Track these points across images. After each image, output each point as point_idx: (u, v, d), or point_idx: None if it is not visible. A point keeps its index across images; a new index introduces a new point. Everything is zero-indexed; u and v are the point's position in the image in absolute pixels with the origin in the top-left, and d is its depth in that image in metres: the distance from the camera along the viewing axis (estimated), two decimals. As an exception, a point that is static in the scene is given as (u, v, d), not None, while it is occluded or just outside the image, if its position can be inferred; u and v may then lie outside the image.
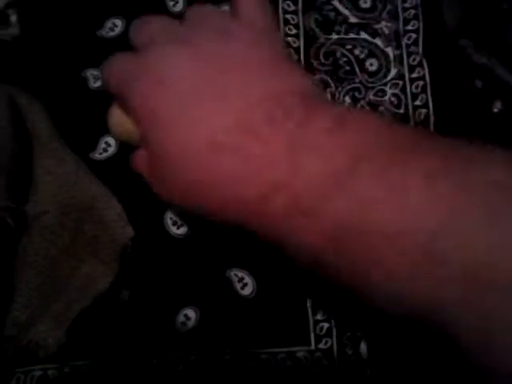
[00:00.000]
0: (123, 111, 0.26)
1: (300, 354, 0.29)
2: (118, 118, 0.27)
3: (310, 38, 0.34)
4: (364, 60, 0.33)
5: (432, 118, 0.32)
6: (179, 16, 0.34)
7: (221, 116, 0.23)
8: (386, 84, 0.33)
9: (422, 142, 0.21)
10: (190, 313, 0.29)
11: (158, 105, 0.24)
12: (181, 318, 0.29)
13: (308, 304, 0.29)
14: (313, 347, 0.29)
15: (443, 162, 0.19)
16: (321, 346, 0.29)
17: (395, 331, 0.26)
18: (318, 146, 0.21)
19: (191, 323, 0.29)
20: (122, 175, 0.30)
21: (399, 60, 0.33)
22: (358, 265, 0.20)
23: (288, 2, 0.35)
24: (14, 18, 0.33)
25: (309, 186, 0.21)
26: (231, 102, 0.23)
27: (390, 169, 0.20)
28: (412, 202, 0.19)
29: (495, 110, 0.34)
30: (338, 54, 0.33)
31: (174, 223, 0.31)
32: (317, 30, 0.34)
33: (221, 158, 0.22)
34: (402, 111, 0.32)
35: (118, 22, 0.34)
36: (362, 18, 0.34)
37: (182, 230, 0.31)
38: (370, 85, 0.33)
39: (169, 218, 0.31)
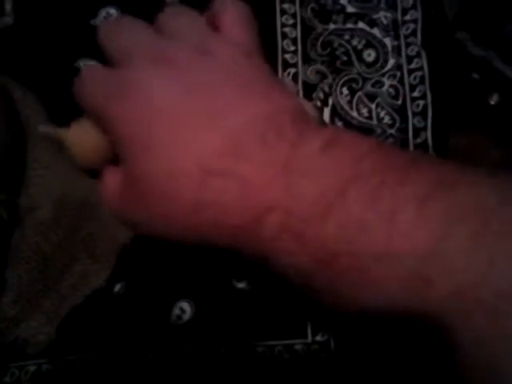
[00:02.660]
0: (94, 127, 0.26)
1: (297, 347, 0.28)
2: (85, 133, 0.26)
3: (307, 28, 0.33)
4: (362, 50, 0.33)
5: (430, 109, 0.32)
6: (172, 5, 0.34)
7: (211, 138, 0.22)
8: (383, 75, 0.32)
9: (411, 166, 0.21)
10: (186, 306, 0.29)
11: (141, 126, 0.23)
12: (176, 311, 0.29)
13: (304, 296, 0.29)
14: (309, 340, 0.29)
15: (432, 187, 0.20)
16: (318, 338, 0.29)
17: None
18: (311, 168, 0.21)
19: (187, 316, 0.29)
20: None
21: (397, 51, 0.33)
22: (348, 286, 0.20)
23: (285, -9, 0.34)
24: (8, 7, 0.33)
25: (301, 208, 0.21)
26: (221, 123, 0.22)
27: (380, 192, 0.20)
28: (401, 226, 0.19)
29: (492, 103, 0.34)
30: (336, 44, 0.33)
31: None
32: (314, 19, 0.34)
33: (213, 181, 0.22)
34: (399, 102, 0.32)
35: (113, 11, 0.34)
36: (360, 8, 0.34)
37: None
38: (368, 76, 0.32)
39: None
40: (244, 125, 0.22)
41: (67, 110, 0.31)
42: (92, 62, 0.33)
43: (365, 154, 0.21)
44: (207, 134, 0.22)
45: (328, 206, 0.20)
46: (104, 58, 0.32)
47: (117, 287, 0.29)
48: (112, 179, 0.25)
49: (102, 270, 0.28)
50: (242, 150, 0.21)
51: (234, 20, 0.26)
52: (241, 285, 0.29)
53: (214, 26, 0.26)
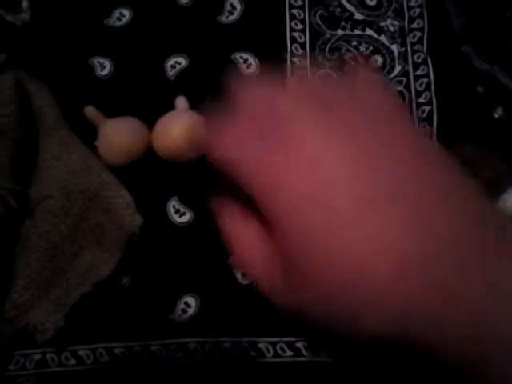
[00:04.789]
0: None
1: (299, 344, 0.29)
2: (119, 132, 0.28)
3: (315, 34, 0.34)
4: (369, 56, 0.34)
5: (435, 116, 0.32)
6: (185, 9, 0.34)
7: (412, 236, 0.19)
8: (390, 81, 0.33)
9: None
10: (191, 300, 0.29)
11: (317, 193, 0.19)
12: (181, 305, 0.29)
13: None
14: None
15: None
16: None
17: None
18: None
19: (191, 310, 0.29)
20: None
21: (404, 57, 0.34)
22: None
23: (295, -4, 0.35)
24: (25, 4, 0.33)
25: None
26: (421, 217, 0.19)
27: None
28: None
29: (496, 116, 0.34)
30: (344, 50, 0.34)
31: (177, 211, 0.31)
32: (323, 25, 0.34)
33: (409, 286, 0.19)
34: (405, 108, 0.32)
35: (126, 12, 0.35)
36: (368, 16, 0.35)
37: (184, 219, 0.31)
38: (375, 81, 0.33)
39: (171, 206, 0.31)
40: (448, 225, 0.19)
41: (79, 104, 0.32)
42: (104, 60, 0.33)
43: None
44: (408, 234, 0.19)
45: None
46: (113, 57, 0.33)
47: (124, 280, 0.29)
48: (268, 273, 0.22)
49: (110, 259, 0.28)
50: (458, 259, 0.19)
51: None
52: (246, 281, 0.30)
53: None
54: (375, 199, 0.19)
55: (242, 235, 0.23)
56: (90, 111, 0.31)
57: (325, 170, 0.20)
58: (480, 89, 0.35)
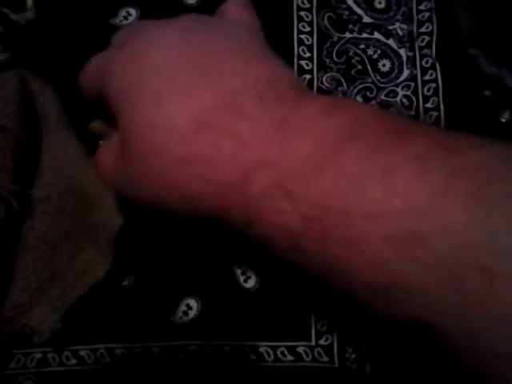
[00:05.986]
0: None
1: (300, 349, 0.29)
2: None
3: (323, 36, 0.34)
4: (377, 60, 0.33)
5: (443, 121, 0.32)
6: (192, 9, 0.34)
7: (210, 95, 0.22)
8: (397, 85, 0.33)
9: (409, 128, 0.21)
10: (192, 302, 0.29)
11: (138, 76, 0.23)
12: (183, 308, 0.29)
13: (310, 300, 0.29)
14: (313, 343, 0.29)
15: (429, 148, 0.19)
16: (321, 342, 0.29)
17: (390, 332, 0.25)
18: (308, 129, 0.21)
19: (193, 313, 0.29)
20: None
21: (412, 62, 0.33)
22: (338, 251, 0.20)
23: (303, -1, 0.35)
24: (30, 2, 0.33)
25: (292, 164, 0.20)
26: (221, 83, 0.22)
27: (377, 151, 0.19)
28: (397, 184, 0.19)
29: (503, 120, 0.34)
30: (351, 53, 0.34)
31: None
32: (330, 28, 0.34)
33: (206, 136, 0.22)
34: (413, 113, 0.32)
35: (132, 11, 0.35)
36: (376, 19, 0.34)
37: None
38: (382, 85, 0.33)
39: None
40: (244, 86, 0.22)
41: (84, 104, 0.32)
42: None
43: (363, 117, 0.21)
44: (206, 92, 0.22)
45: (321, 162, 0.20)
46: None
47: (125, 281, 0.29)
48: (107, 150, 0.25)
49: (105, 260, 0.28)
50: (239, 107, 0.22)
51: (237, 5, 0.27)
52: (248, 285, 0.30)
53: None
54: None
55: None
56: (95, 126, 0.31)
57: (148, 59, 0.23)
58: (487, 93, 0.34)
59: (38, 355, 0.28)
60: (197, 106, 0.22)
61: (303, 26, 0.34)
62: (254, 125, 0.21)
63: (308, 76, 0.33)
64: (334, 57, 0.33)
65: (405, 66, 0.33)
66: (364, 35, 0.34)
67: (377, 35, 0.34)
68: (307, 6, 0.35)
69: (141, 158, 0.23)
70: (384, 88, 0.33)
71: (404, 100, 0.32)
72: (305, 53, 0.34)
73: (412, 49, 0.34)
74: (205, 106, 0.22)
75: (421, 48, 0.34)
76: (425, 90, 0.33)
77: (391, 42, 0.34)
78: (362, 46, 0.34)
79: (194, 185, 0.22)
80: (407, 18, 0.34)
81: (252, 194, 0.21)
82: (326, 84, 0.33)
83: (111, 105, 0.24)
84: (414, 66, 0.33)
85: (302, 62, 0.34)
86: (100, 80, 0.25)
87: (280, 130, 0.21)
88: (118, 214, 0.28)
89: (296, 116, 0.21)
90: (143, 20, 0.27)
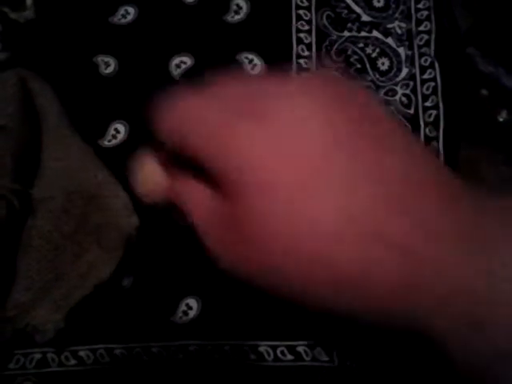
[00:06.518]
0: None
1: (299, 348, 0.29)
2: (151, 173, 0.24)
3: (322, 35, 0.34)
4: (376, 59, 0.33)
5: (442, 120, 0.32)
6: (191, 8, 0.34)
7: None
8: (396, 84, 0.33)
9: None
10: (192, 302, 0.29)
11: (283, 172, 0.19)
12: (183, 307, 0.29)
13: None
14: (313, 342, 0.29)
15: None
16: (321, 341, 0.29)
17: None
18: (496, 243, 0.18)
19: (193, 313, 0.29)
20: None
21: (411, 60, 0.33)
22: None
23: (302, -3, 0.35)
24: (29, 1, 0.33)
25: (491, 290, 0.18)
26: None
27: None
28: None
29: (500, 119, 0.34)
30: (350, 52, 0.33)
31: (179, 213, 0.31)
32: (329, 26, 0.34)
33: (387, 256, 0.18)
34: (412, 111, 0.32)
35: (131, 10, 0.34)
36: (375, 17, 0.34)
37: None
38: (381, 84, 0.33)
39: (173, 207, 0.31)
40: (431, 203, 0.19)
41: (82, 102, 0.32)
42: (109, 58, 0.33)
43: None
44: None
45: None
46: (117, 55, 0.33)
47: (125, 281, 0.29)
48: (203, 204, 0.22)
49: (110, 261, 0.28)
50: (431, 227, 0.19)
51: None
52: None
53: None
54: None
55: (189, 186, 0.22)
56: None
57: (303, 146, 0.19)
58: (484, 92, 0.35)
59: (38, 355, 0.28)
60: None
61: (302, 25, 0.34)
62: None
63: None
64: (333, 55, 0.33)
65: (404, 65, 0.33)
66: (363, 34, 0.34)
67: (375, 34, 0.34)
68: (306, 4, 0.35)
69: (263, 249, 0.20)
70: (383, 87, 0.33)
71: (403, 98, 0.32)
72: (304, 51, 0.34)
73: (411, 47, 0.34)
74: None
75: (420, 46, 0.34)
76: (424, 88, 0.33)
77: (390, 40, 0.34)
78: (361, 45, 0.34)
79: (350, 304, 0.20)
80: (406, 17, 0.34)
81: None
82: (325, 83, 0.33)
83: (220, 177, 0.20)
84: (412, 64, 0.33)
85: (301, 61, 0.33)
86: (208, 137, 0.20)
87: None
88: (133, 215, 0.28)
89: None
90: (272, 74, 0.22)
